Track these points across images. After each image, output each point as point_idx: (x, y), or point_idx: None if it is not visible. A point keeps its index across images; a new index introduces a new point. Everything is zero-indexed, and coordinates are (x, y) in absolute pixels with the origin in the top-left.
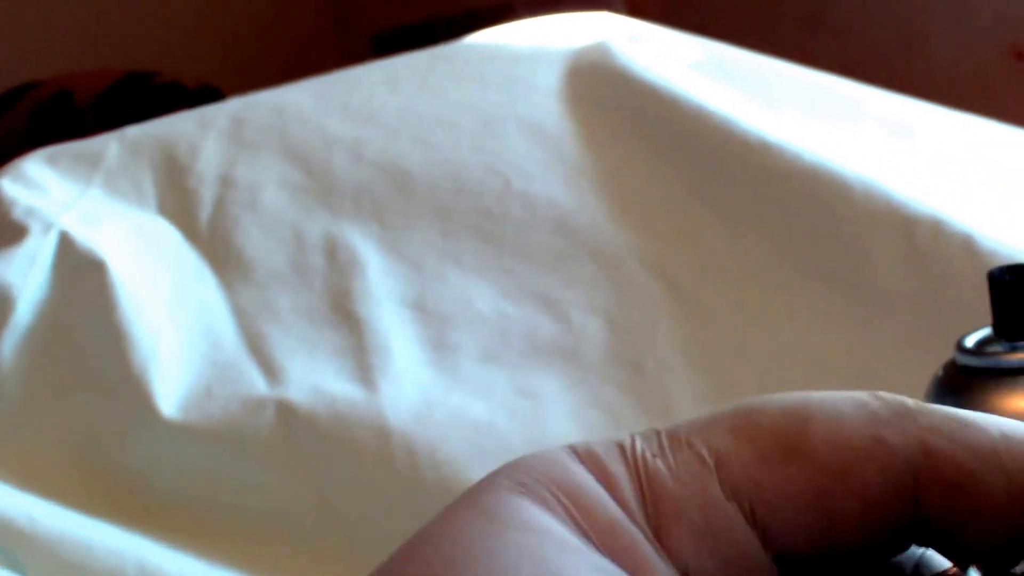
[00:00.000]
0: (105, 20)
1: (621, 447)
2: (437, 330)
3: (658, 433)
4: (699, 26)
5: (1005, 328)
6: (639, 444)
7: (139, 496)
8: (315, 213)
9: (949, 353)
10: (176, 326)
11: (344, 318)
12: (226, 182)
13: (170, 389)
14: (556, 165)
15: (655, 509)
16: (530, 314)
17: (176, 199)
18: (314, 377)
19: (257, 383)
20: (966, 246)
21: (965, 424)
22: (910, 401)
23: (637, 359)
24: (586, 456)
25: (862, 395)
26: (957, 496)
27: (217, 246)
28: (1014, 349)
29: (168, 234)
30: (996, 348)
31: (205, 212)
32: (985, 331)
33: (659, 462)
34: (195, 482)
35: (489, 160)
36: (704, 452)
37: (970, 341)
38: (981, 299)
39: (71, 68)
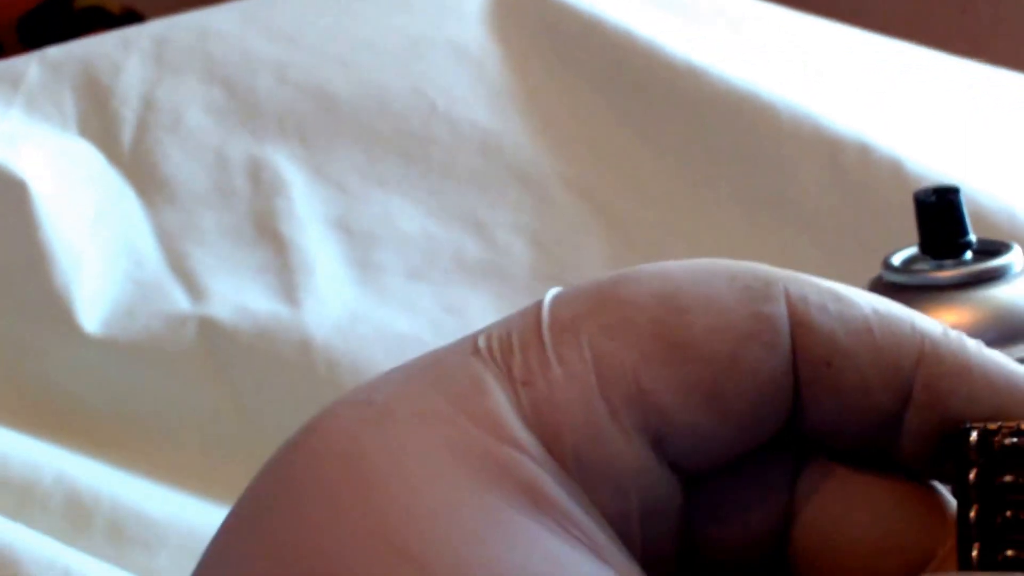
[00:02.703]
0: None
1: (490, 352)
2: (362, 249)
3: (539, 327)
4: None
5: (931, 247)
6: (516, 346)
7: (61, 412)
8: (238, 135)
9: (875, 272)
10: (98, 246)
11: (268, 238)
12: (148, 103)
13: (92, 307)
14: (481, 88)
15: (535, 415)
16: (456, 234)
17: (98, 120)
18: (237, 295)
19: (180, 301)
20: (893, 170)
21: (837, 296)
22: (775, 269)
23: (561, 277)
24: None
25: (728, 266)
26: (826, 374)
27: (140, 167)
28: (940, 267)
29: (90, 155)
30: (922, 266)
31: (127, 133)
32: (911, 250)
33: (537, 371)
34: (117, 397)
35: (415, 83)
36: (587, 355)
37: (897, 259)
38: (908, 221)
39: None
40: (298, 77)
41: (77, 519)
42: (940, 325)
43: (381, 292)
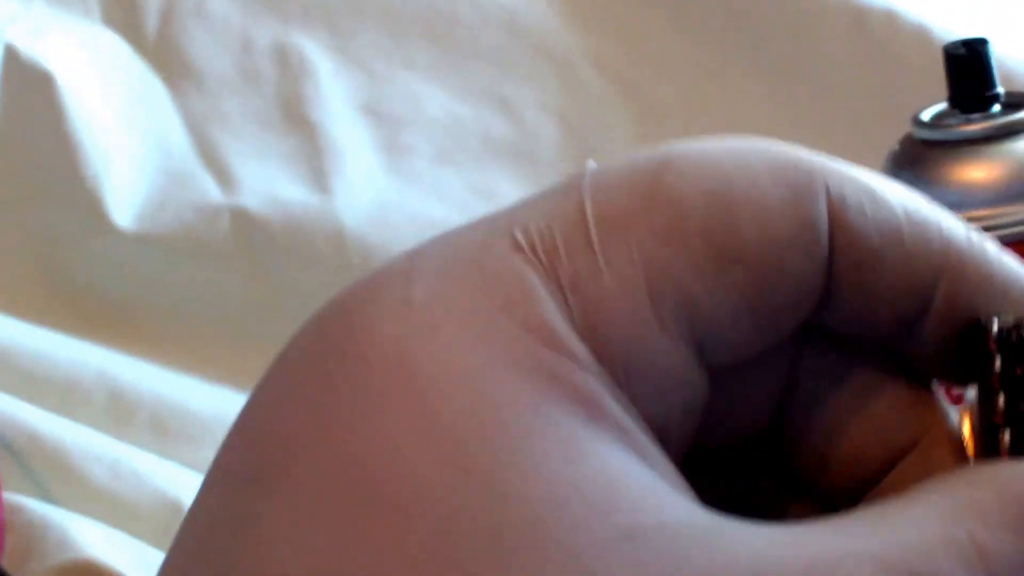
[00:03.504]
0: None
1: (533, 252)
2: (390, 133)
3: (586, 226)
4: None
5: (960, 100)
6: (562, 247)
7: (96, 306)
8: (264, 20)
9: (902, 135)
10: (127, 136)
11: (296, 123)
12: None
13: (124, 199)
14: None
15: (584, 323)
16: (483, 114)
17: (121, 9)
18: (268, 183)
19: (211, 191)
20: (920, 34)
21: (873, 196)
22: (817, 161)
23: (589, 155)
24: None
25: (772, 156)
26: (855, 277)
27: (165, 55)
28: (968, 120)
29: (115, 44)
30: (951, 120)
31: (152, 21)
32: (940, 106)
33: (586, 276)
34: (152, 291)
35: None
36: (636, 262)
37: (926, 115)
38: (935, 85)
39: None
40: None
41: (120, 415)
42: (964, 229)
43: (411, 177)
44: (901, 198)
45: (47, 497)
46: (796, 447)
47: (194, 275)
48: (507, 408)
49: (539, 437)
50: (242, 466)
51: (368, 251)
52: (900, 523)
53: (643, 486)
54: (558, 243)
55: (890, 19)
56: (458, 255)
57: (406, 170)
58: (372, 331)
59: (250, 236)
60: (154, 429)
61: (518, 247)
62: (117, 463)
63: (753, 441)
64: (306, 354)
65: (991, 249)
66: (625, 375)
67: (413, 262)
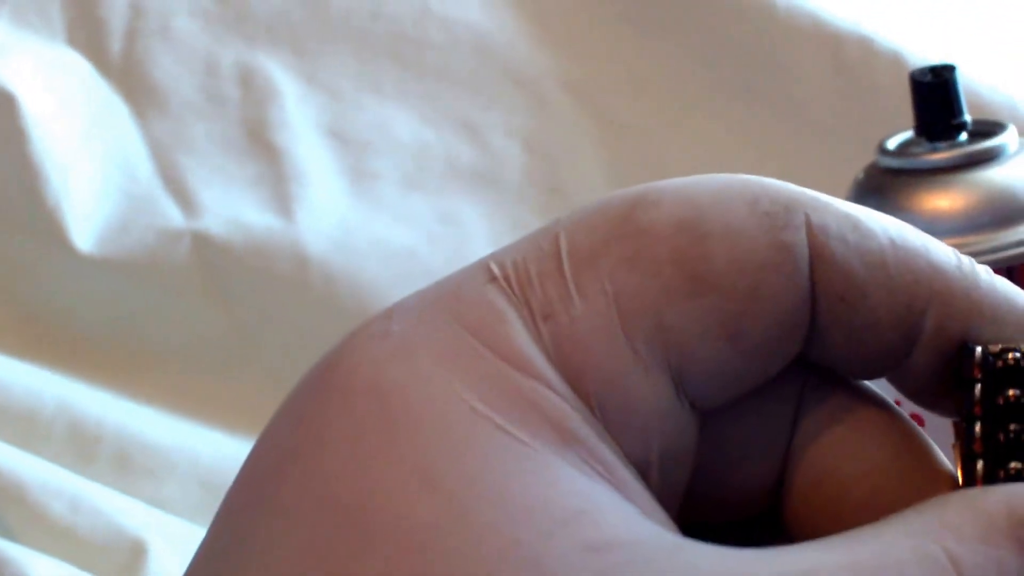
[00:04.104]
0: None
1: (507, 282)
2: (356, 157)
3: (559, 258)
4: None
5: (926, 128)
6: (535, 277)
7: (57, 331)
8: (228, 42)
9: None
10: (90, 159)
11: (261, 147)
12: (137, 11)
13: (85, 223)
14: None
15: (556, 350)
16: (450, 139)
17: (85, 29)
18: (231, 207)
19: (173, 215)
20: (894, 62)
21: (856, 226)
22: (797, 192)
23: (557, 183)
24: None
25: (749, 187)
26: (840, 309)
27: (129, 77)
28: (935, 149)
29: (79, 65)
30: (917, 149)
31: (116, 42)
32: (907, 134)
33: (558, 305)
34: (113, 316)
35: None
36: (608, 290)
37: (892, 143)
38: (908, 113)
39: None
40: None
41: (82, 448)
42: (953, 257)
43: (376, 202)
44: (886, 227)
45: (5, 533)
46: (788, 505)
47: (155, 300)
48: (475, 428)
49: (506, 456)
50: (241, 491)
51: (331, 277)
52: (874, 541)
53: (611, 506)
54: (531, 274)
55: (865, 46)
56: (437, 292)
57: (371, 195)
58: (350, 361)
59: (212, 261)
60: (118, 463)
61: (493, 278)
62: (77, 498)
63: (758, 498)
64: (298, 388)
65: (983, 276)
66: (599, 404)
67: (396, 304)
